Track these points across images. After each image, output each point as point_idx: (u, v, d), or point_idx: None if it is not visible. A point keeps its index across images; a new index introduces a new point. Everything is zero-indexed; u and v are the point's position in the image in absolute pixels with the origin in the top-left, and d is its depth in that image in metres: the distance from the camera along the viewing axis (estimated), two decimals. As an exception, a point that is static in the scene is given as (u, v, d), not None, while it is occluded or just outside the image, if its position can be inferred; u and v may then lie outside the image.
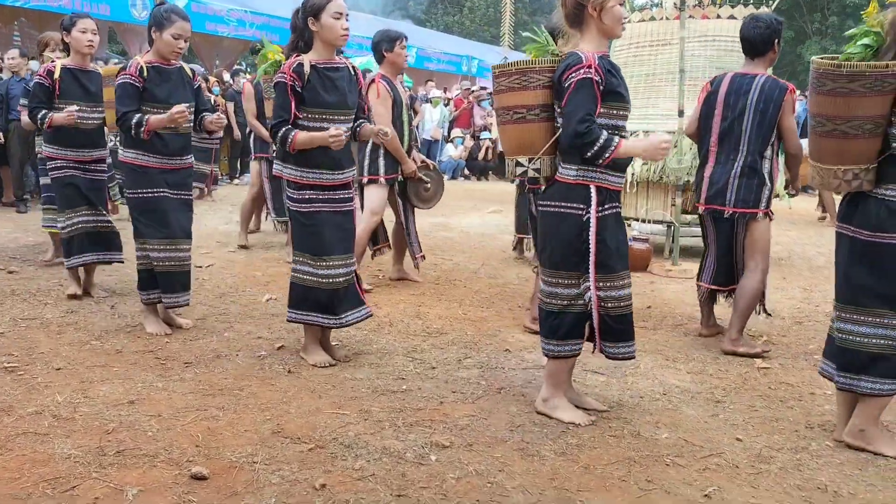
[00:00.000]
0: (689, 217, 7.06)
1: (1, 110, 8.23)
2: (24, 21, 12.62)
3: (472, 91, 16.64)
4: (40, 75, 4.63)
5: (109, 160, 5.13)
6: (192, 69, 4.25)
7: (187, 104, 4.00)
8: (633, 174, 7.02)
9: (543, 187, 3.16)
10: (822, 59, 2.83)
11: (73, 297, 4.72)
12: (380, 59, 5.20)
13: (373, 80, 5.12)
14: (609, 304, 3.03)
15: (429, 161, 5.69)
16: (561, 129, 3.00)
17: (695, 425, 3.17)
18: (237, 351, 3.88)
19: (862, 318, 2.90)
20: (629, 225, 7.45)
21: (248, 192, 7.05)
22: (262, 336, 4.16)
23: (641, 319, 4.89)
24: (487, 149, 15.53)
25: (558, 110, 3.05)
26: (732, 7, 6.92)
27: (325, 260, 3.60)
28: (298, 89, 3.47)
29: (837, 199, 3.21)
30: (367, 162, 5.22)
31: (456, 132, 15.69)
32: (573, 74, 2.91)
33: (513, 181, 3.80)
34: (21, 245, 6.54)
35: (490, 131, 15.40)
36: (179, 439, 2.80)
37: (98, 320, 4.34)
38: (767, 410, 3.38)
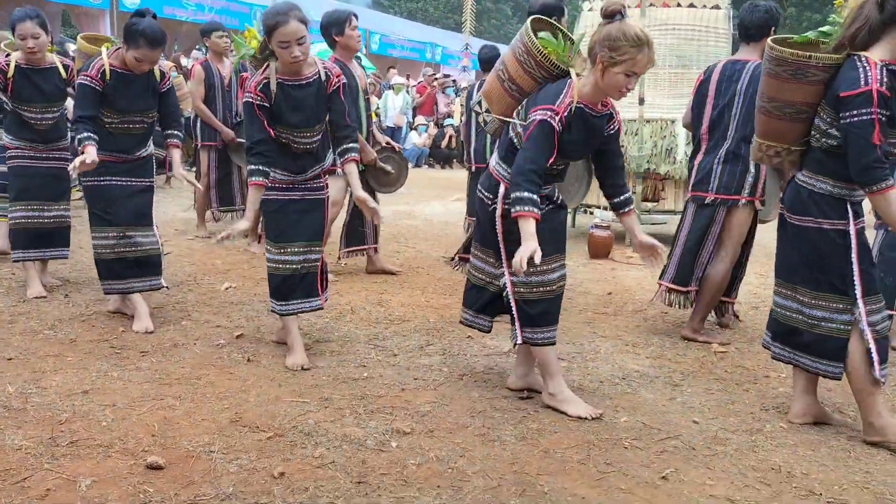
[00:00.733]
0: (649, 205, 7.15)
1: None
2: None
3: (437, 78, 16.60)
4: None
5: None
6: (161, 71, 4.06)
7: (144, 111, 3.98)
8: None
9: None
10: (772, 41, 2.94)
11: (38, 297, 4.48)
12: (331, 43, 5.03)
13: None
14: (522, 289, 3.08)
15: (393, 143, 5.57)
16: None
17: (653, 409, 3.21)
18: (195, 340, 3.82)
19: (788, 292, 3.06)
20: (591, 213, 7.51)
21: (200, 182, 6.65)
22: (221, 325, 4.11)
23: (602, 305, 4.94)
24: (451, 136, 15.50)
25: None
26: (693, -4, 6.97)
27: (284, 246, 3.55)
28: (266, 105, 3.39)
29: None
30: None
31: (419, 119, 15.64)
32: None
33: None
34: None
35: (454, 119, 15.36)
36: (135, 429, 2.76)
37: (51, 309, 4.24)
38: (724, 394, 3.44)
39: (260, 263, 5.31)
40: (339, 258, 5.47)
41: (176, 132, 4.15)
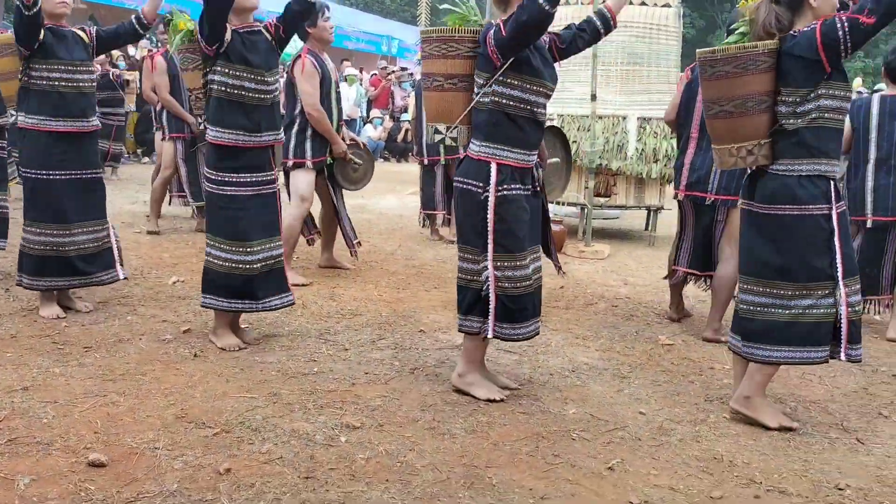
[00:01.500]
0: (601, 200, 7.23)
1: None
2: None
3: (393, 72, 16.52)
4: None
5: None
6: (83, 29, 4.02)
7: (84, 61, 3.89)
8: (548, 157, 7.11)
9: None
10: (702, 50, 3.05)
11: None
12: (303, 35, 4.88)
13: (299, 56, 4.88)
14: (506, 285, 3.04)
15: (358, 139, 5.47)
16: (523, 20, 2.85)
17: (601, 400, 3.25)
18: (140, 335, 3.75)
19: (761, 289, 3.03)
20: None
21: (161, 174, 6.58)
22: (168, 319, 4.03)
23: (553, 299, 4.98)
24: (407, 130, 15.45)
25: (480, 81, 3.03)
26: (644, -6, 7.05)
27: (244, 245, 3.52)
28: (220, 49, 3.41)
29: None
30: (292, 144, 4.91)
31: (375, 112, 15.56)
32: (491, 30, 2.93)
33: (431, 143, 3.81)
34: None
35: (409, 112, 15.31)
36: (77, 426, 2.69)
37: (-10, 304, 4.12)
38: (670, 385, 3.51)
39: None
40: (309, 243, 5.46)
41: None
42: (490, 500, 2.38)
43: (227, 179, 3.50)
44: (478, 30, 3.08)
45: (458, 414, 3.01)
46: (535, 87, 3.00)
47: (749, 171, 3.14)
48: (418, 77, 16.50)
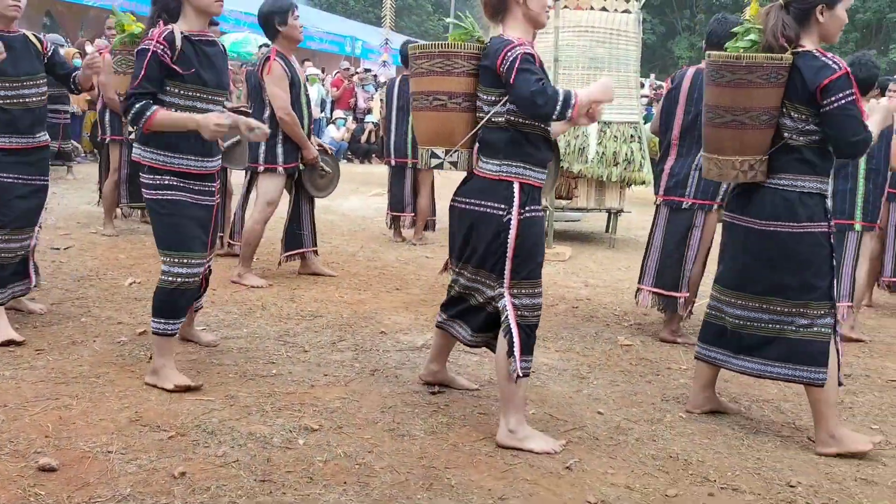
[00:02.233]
0: (563, 202, 7.30)
1: None
2: None
3: (357, 73, 16.46)
4: None
5: None
6: (38, 38, 3.79)
7: (32, 75, 3.63)
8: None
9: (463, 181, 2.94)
10: (720, 53, 2.91)
11: None
12: (272, 34, 4.72)
13: (267, 58, 4.72)
14: (526, 314, 2.80)
15: (326, 146, 5.37)
16: (515, 101, 2.72)
17: (560, 401, 3.28)
18: (95, 337, 3.67)
19: (756, 304, 2.96)
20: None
21: (110, 177, 6.33)
22: (123, 321, 3.96)
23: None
24: (371, 132, 15.41)
25: (490, 98, 2.80)
26: (605, -1, 7.14)
27: (185, 256, 3.13)
28: (168, 62, 3.00)
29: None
30: (262, 148, 4.78)
31: (338, 113, 15.49)
32: (510, 53, 2.69)
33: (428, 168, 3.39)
34: None
35: (373, 114, 15.27)
36: (27, 430, 2.63)
37: (-62, 306, 4.00)
38: (627, 385, 3.55)
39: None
40: (279, 263, 5.26)
41: (72, 72, 3.86)
42: (449, 501, 2.38)
43: (166, 183, 3.15)
44: (481, 46, 2.87)
45: (417, 415, 3.01)
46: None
47: (737, 184, 3.04)
48: (382, 79, 16.54)
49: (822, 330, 2.89)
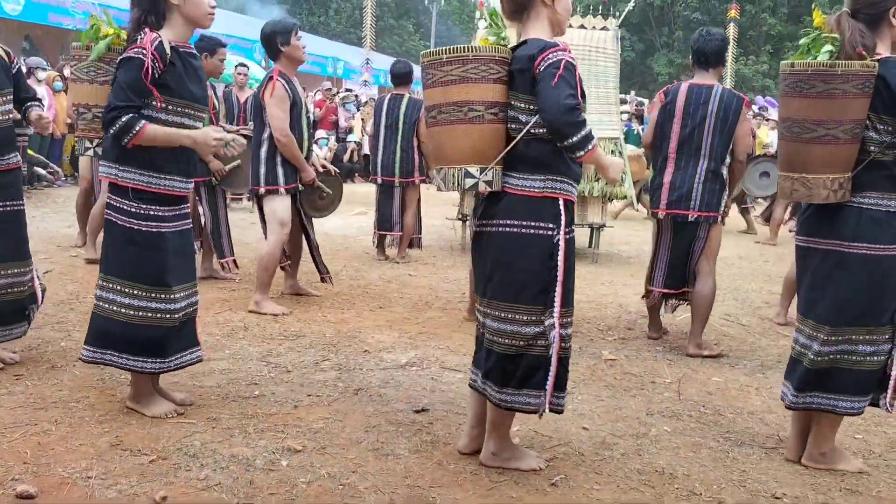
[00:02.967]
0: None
1: None
2: None
3: (338, 93, 16.50)
4: None
5: None
6: (7, 51, 3.52)
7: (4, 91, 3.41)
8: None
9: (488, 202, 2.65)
10: (808, 61, 2.70)
11: None
12: (275, 54, 4.68)
13: (270, 78, 4.68)
14: (566, 345, 2.62)
15: (330, 167, 5.31)
16: (542, 106, 2.48)
17: (544, 416, 3.25)
18: (75, 361, 3.62)
19: (840, 337, 2.75)
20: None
21: (99, 199, 6.01)
22: (105, 344, 3.91)
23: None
24: (353, 151, 15.44)
25: (530, 107, 2.54)
26: (583, 17, 7.22)
27: (168, 291, 2.95)
28: (156, 74, 2.82)
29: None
30: (263, 170, 4.69)
31: (321, 133, 15.50)
32: (553, 55, 2.49)
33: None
34: None
35: (355, 134, 15.30)
36: (5, 457, 2.59)
37: (-87, 332, 3.93)
38: (612, 399, 3.55)
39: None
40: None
41: (36, 103, 3.65)
42: (434, 520, 2.36)
43: (152, 213, 2.97)
44: (509, 50, 2.64)
45: (402, 434, 2.99)
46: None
47: (808, 208, 2.85)
48: (364, 99, 16.59)
49: (881, 358, 2.75)
